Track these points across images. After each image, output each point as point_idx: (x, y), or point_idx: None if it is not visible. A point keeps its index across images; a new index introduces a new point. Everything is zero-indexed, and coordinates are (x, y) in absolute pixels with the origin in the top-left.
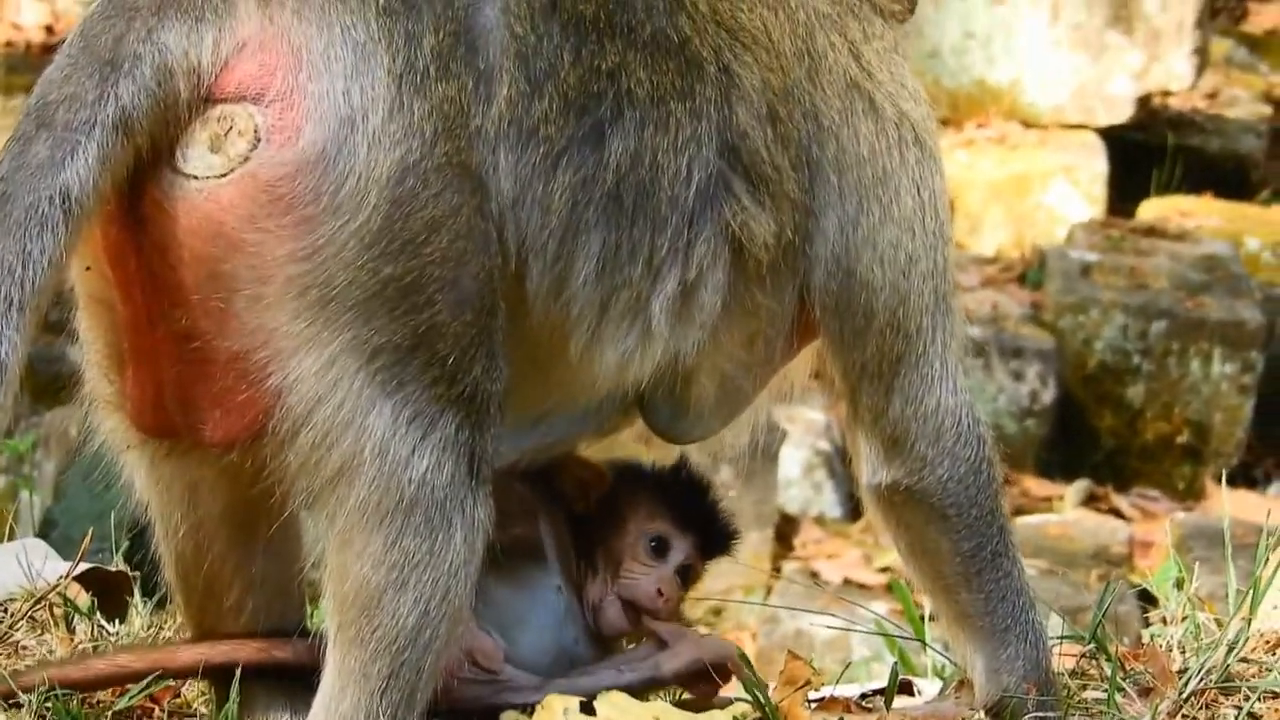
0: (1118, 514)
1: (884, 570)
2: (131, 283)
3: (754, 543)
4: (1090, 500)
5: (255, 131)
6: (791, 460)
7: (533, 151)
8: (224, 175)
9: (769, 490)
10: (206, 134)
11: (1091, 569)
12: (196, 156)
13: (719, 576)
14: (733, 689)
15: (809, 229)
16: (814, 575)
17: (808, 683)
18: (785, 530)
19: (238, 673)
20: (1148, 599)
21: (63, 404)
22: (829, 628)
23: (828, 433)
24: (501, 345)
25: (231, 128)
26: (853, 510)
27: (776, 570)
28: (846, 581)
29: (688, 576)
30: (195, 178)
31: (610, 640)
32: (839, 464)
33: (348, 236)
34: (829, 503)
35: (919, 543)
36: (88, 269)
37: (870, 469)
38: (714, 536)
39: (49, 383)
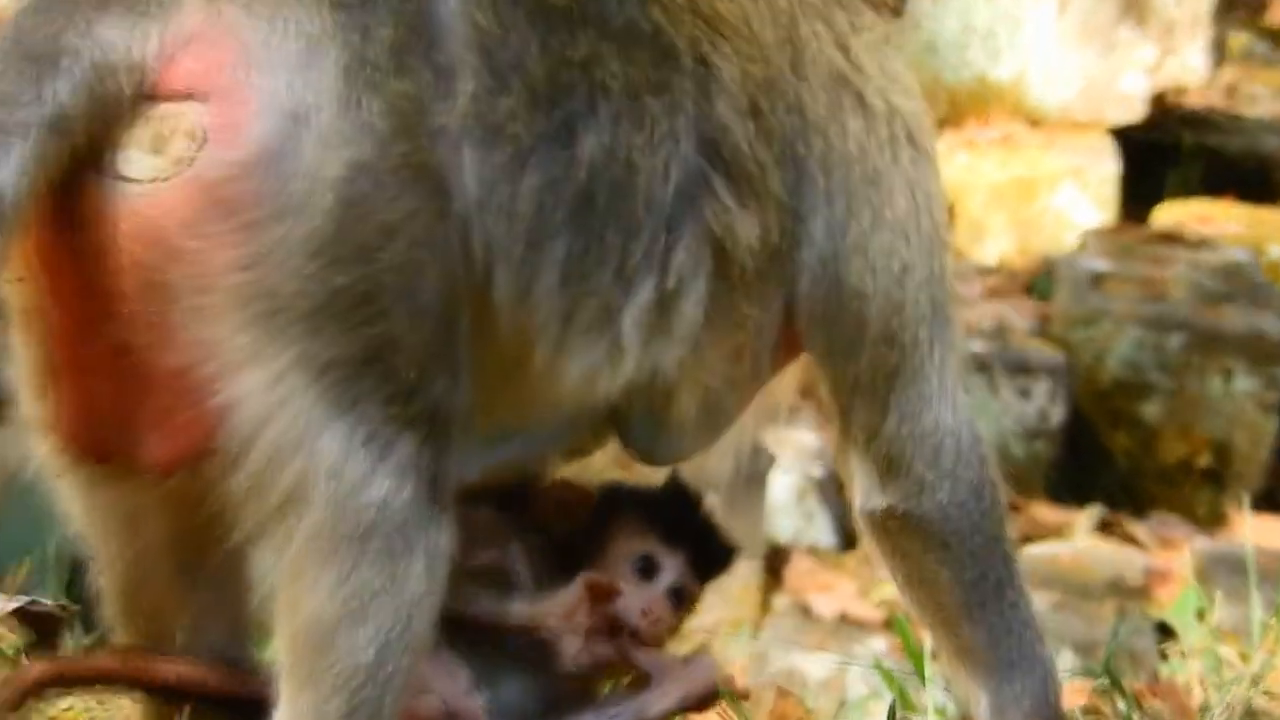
0: (1133, 542)
1: (881, 604)
2: (65, 291)
3: (742, 575)
4: (1104, 527)
5: (200, 131)
6: (781, 486)
7: (499, 151)
8: (166, 179)
9: (757, 519)
10: (148, 134)
11: (1106, 601)
12: (137, 158)
13: (704, 611)
14: None
15: (795, 233)
16: (806, 610)
17: None
18: (775, 561)
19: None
20: (1166, 633)
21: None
22: (825, 662)
23: (820, 457)
24: (465, 359)
25: (175, 128)
26: (847, 540)
27: (765, 605)
28: (842, 617)
29: (682, 599)
30: (135, 181)
31: (594, 676)
32: (832, 490)
33: (294, 243)
34: (822, 532)
35: (917, 572)
36: (20, 279)
37: (864, 493)
38: (708, 554)
39: None
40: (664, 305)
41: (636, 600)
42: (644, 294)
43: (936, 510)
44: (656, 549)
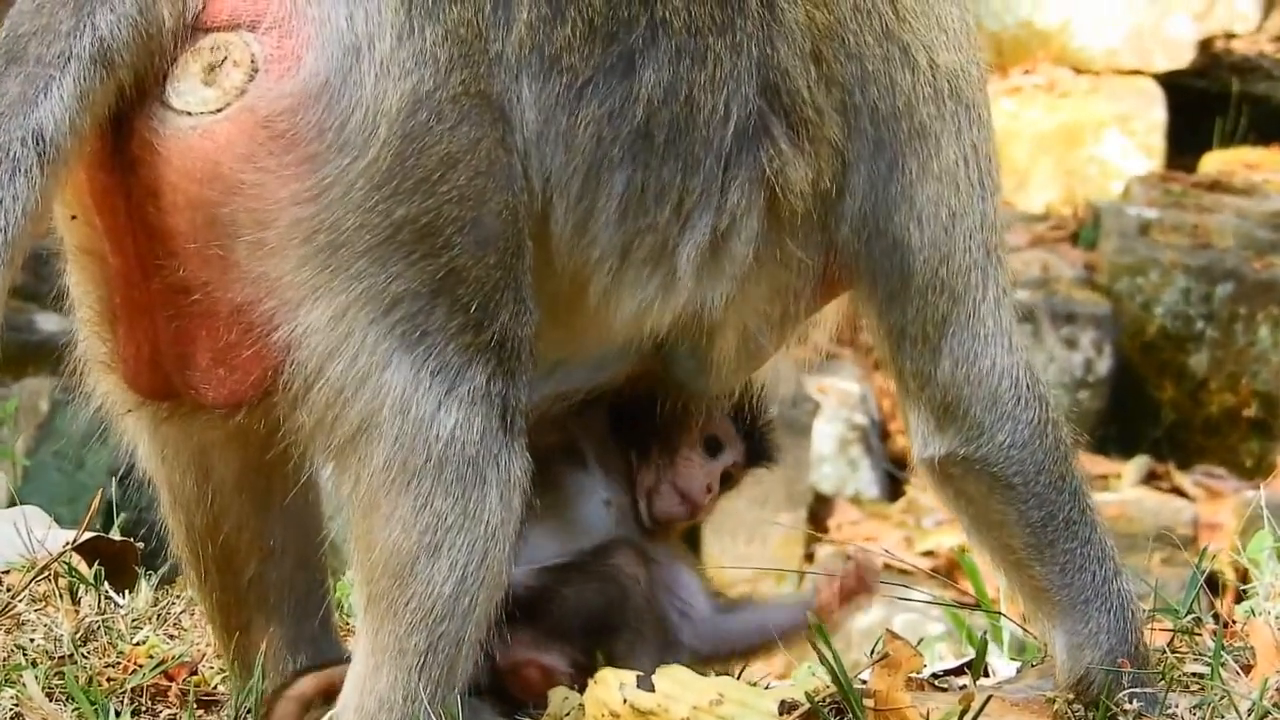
0: (1180, 493)
1: (928, 554)
2: (122, 231)
3: (785, 524)
4: (1150, 478)
5: (252, 61)
6: (824, 435)
7: (556, 81)
8: (219, 110)
9: (801, 468)
10: (198, 65)
11: (1153, 552)
12: (188, 90)
13: (747, 560)
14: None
15: (844, 180)
16: (850, 560)
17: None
18: (819, 511)
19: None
20: (1212, 586)
21: (33, 375)
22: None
23: (863, 405)
24: (530, 287)
25: (226, 58)
26: (891, 489)
27: (809, 555)
28: (886, 566)
29: (726, 482)
30: (187, 114)
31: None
32: (875, 439)
33: (355, 175)
34: (865, 481)
35: (983, 516)
36: (74, 218)
37: (921, 440)
38: (760, 446)
39: (17, 353)
40: (717, 243)
41: (702, 475)
42: (700, 231)
43: (998, 452)
44: (726, 431)
